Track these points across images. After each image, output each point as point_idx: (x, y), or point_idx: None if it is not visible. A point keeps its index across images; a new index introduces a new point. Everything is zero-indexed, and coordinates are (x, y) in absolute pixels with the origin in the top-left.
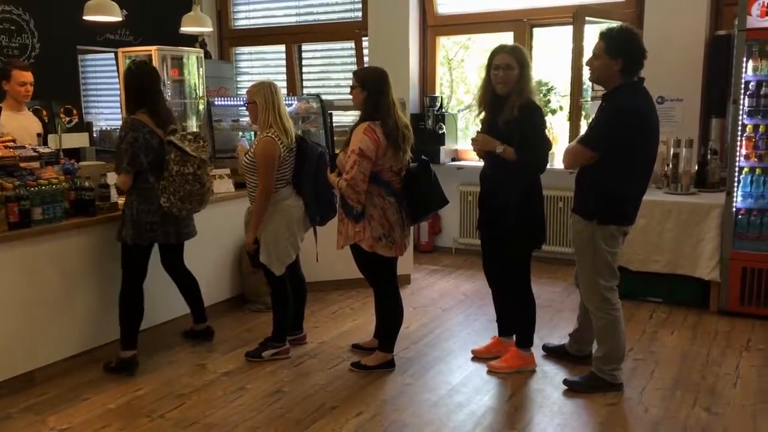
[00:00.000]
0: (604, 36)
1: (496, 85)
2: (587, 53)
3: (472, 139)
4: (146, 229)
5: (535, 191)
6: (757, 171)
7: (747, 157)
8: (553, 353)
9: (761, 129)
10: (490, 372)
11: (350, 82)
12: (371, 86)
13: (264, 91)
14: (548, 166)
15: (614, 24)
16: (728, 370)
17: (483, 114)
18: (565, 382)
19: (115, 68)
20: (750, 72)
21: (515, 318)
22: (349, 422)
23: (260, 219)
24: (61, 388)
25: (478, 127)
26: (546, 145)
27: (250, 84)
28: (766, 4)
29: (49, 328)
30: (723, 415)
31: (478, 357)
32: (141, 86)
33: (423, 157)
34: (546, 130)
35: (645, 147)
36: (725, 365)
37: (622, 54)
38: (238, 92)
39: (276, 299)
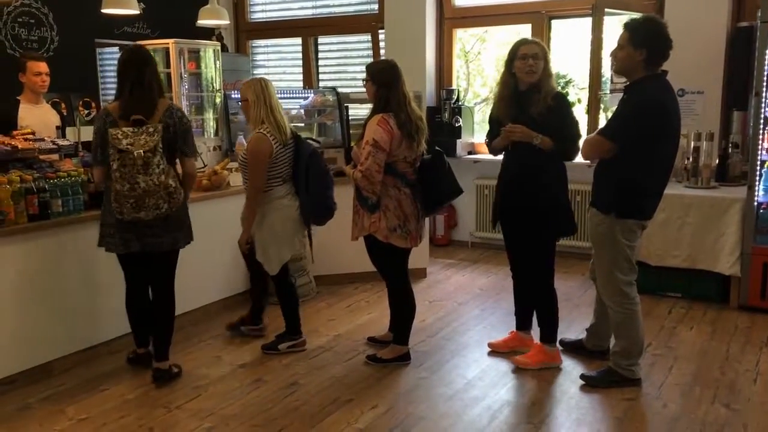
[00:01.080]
0: (629, 26)
1: (524, 75)
2: (607, 45)
3: (507, 131)
4: (107, 234)
5: (563, 181)
6: None
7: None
8: (570, 348)
9: None
10: (516, 369)
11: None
12: (382, 79)
13: (254, 87)
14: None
15: (636, 15)
16: (748, 366)
17: (500, 110)
18: (582, 377)
19: None
20: None
21: (538, 313)
22: (364, 415)
23: (252, 218)
24: (79, 379)
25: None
26: (579, 133)
27: (266, 76)
28: None
29: (67, 320)
30: (742, 411)
31: (495, 351)
32: (117, 71)
33: (437, 148)
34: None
35: (666, 141)
36: (745, 361)
37: (646, 44)
38: None
39: (281, 295)
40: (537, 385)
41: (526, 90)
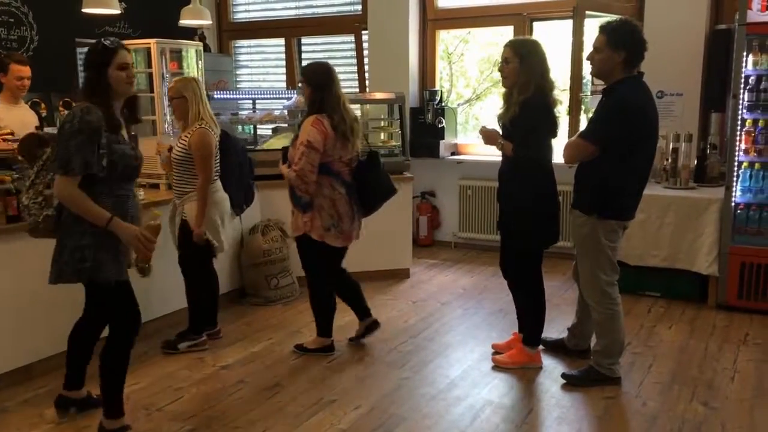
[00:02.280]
0: (605, 29)
1: (501, 79)
2: (587, 47)
3: (479, 132)
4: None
5: (545, 191)
6: (756, 166)
7: (746, 151)
8: (552, 347)
9: (761, 124)
10: (495, 367)
11: (350, 76)
12: (317, 81)
13: (192, 86)
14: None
15: (611, 17)
16: (726, 364)
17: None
18: (564, 375)
19: None
20: (750, 66)
21: (523, 315)
22: (347, 416)
23: (206, 208)
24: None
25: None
26: (547, 142)
27: (249, 77)
28: None
29: (47, 322)
30: (720, 409)
31: (497, 351)
32: None
33: (372, 149)
34: (551, 126)
35: (645, 142)
36: (723, 360)
37: (624, 46)
38: (238, 85)
39: (192, 293)
40: (519, 385)
41: (506, 93)
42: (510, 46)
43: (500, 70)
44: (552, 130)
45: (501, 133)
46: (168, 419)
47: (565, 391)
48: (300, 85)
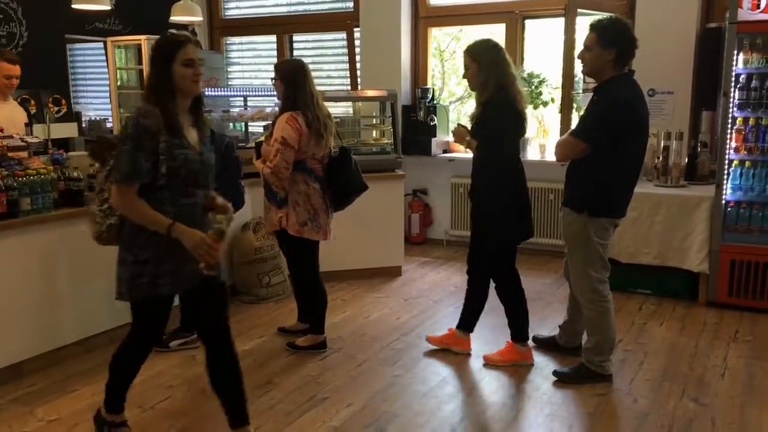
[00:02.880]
0: (596, 27)
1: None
2: (579, 45)
3: (452, 130)
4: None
5: (513, 189)
6: (747, 164)
7: (737, 149)
8: (543, 345)
9: (751, 122)
10: (486, 364)
11: (342, 74)
12: (290, 78)
13: None
14: (539, 158)
15: (602, 15)
16: (716, 361)
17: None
18: (555, 373)
19: (104, 58)
20: (740, 65)
21: (507, 312)
22: (339, 413)
23: None
24: (50, 380)
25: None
26: (512, 140)
27: (240, 74)
28: None
29: (37, 320)
30: (711, 405)
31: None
32: None
33: (343, 145)
34: (516, 124)
35: (636, 139)
36: (713, 356)
37: (614, 44)
38: (229, 83)
39: None
40: (510, 382)
41: (476, 95)
42: (466, 52)
43: (464, 77)
44: (518, 128)
45: (471, 132)
46: (160, 417)
47: (557, 388)
48: (273, 81)
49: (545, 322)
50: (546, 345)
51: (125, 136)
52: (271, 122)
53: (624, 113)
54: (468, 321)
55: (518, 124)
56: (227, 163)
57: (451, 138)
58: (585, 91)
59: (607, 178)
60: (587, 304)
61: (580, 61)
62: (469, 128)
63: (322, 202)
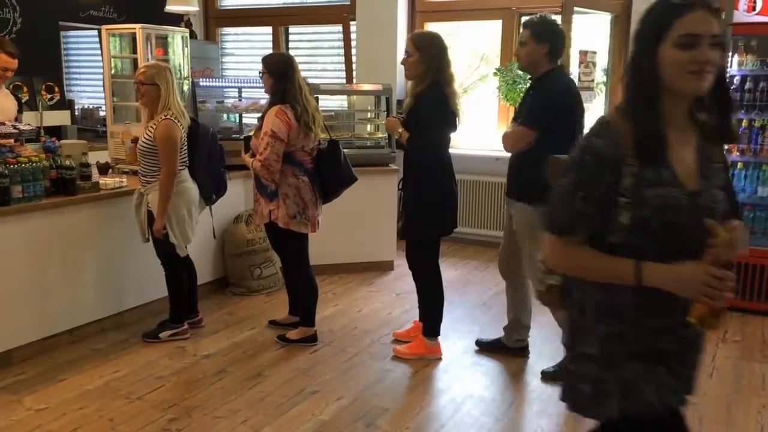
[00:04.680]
0: (529, 24)
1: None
2: (575, 43)
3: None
4: None
5: (441, 182)
6: (739, 165)
7: (729, 151)
8: (488, 348)
9: (744, 124)
10: (395, 357)
11: (337, 67)
12: (279, 72)
13: (166, 74)
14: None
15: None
16: (705, 360)
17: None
18: (543, 373)
19: (98, 46)
20: (735, 67)
21: (421, 306)
22: (329, 407)
23: (167, 203)
24: (39, 369)
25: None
26: (442, 134)
27: (235, 65)
28: None
29: (27, 308)
30: (699, 404)
31: (398, 340)
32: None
33: (332, 138)
34: (446, 119)
35: (576, 126)
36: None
37: (547, 39)
38: (224, 73)
39: (172, 282)
40: (500, 378)
41: (411, 85)
42: (411, 39)
43: (402, 62)
44: (448, 123)
45: (404, 123)
46: (149, 407)
47: (546, 385)
48: (261, 75)
49: (536, 318)
50: (491, 349)
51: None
52: (261, 114)
53: (567, 99)
54: (434, 325)
55: (450, 119)
56: (213, 152)
57: None
58: (580, 89)
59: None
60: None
61: (516, 58)
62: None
63: (312, 195)
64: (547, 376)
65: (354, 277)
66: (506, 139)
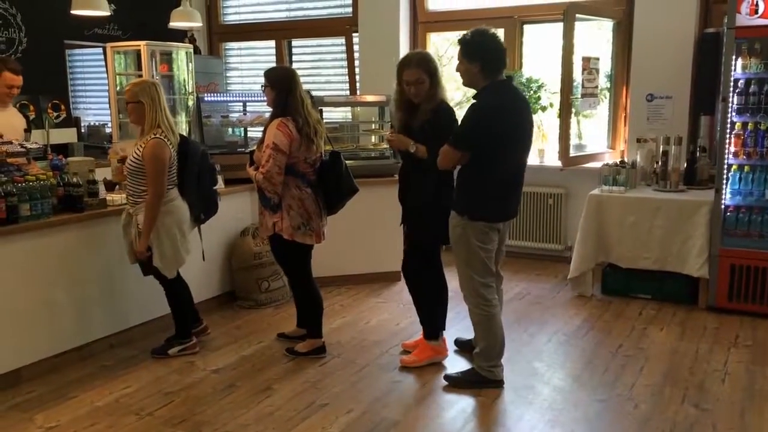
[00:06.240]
0: (461, 41)
1: (409, 96)
2: (578, 50)
3: (388, 139)
4: None
5: (445, 190)
6: (746, 168)
7: (736, 154)
8: (462, 347)
9: (750, 127)
10: (402, 368)
11: (341, 79)
12: (281, 85)
13: (150, 91)
14: (539, 163)
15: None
16: (717, 366)
17: (393, 119)
18: (446, 377)
19: (103, 63)
20: (739, 70)
21: (422, 311)
22: (339, 420)
23: (153, 224)
24: (49, 386)
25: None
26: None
27: (239, 79)
28: (755, 2)
29: (36, 326)
30: (712, 411)
31: (406, 351)
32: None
33: (334, 149)
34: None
35: (506, 144)
36: (714, 361)
37: (477, 57)
38: (228, 88)
39: (173, 298)
40: (510, 388)
41: (417, 103)
42: (417, 66)
43: (416, 91)
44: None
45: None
46: (159, 423)
47: (557, 394)
48: (263, 89)
49: (545, 327)
50: (465, 347)
51: None
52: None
53: (492, 118)
54: (435, 327)
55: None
56: (203, 171)
57: None
58: (584, 95)
59: (482, 183)
60: (473, 308)
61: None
62: (406, 134)
63: (316, 207)
64: (451, 381)
65: (361, 288)
66: (438, 155)
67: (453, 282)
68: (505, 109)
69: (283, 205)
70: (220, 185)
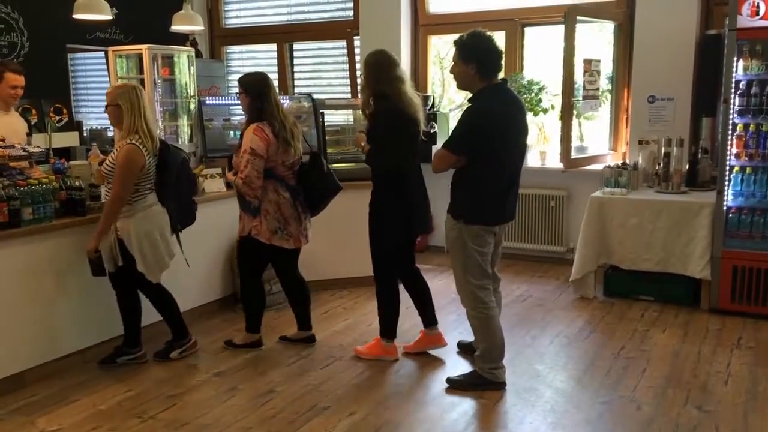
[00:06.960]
0: (456, 43)
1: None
2: (579, 52)
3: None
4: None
5: (400, 194)
6: (748, 170)
7: (737, 156)
8: (464, 350)
9: (751, 128)
10: (355, 356)
11: (342, 82)
12: (255, 91)
13: (129, 95)
14: (541, 166)
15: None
16: (719, 368)
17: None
18: (448, 380)
19: (105, 67)
20: (740, 71)
21: (379, 309)
22: (341, 422)
23: (108, 226)
24: (51, 390)
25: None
26: (396, 147)
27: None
28: (756, 4)
29: (39, 329)
30: (714, 412)
31: (408, 353)
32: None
33: (313, 150)
34: (402, 133)
35: (500, 147)
36: (716, 363)
37: (473, 59)
38: (230, 91)
39: (160, 304)
40: (512, 390)
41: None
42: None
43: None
44: (404, 135)
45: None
46: (161, 427)
47: (559, 396)
48: (238, 95)
49: (547, 328)
50: (467, 350)
51: None
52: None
53: (486, 122)
54: (390, 327)
55: (406, 131)
56: (181, 179)
57: None
58: (585, 98)
59: (477, 187)
60: (470, 311)
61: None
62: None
63: (293, 211)
64: (453, 384)
65: (363, 291)
66: (433, 159)
67: (452, 285)
68: (500, 112)
69: (261, 209)
70: (220, 188)
